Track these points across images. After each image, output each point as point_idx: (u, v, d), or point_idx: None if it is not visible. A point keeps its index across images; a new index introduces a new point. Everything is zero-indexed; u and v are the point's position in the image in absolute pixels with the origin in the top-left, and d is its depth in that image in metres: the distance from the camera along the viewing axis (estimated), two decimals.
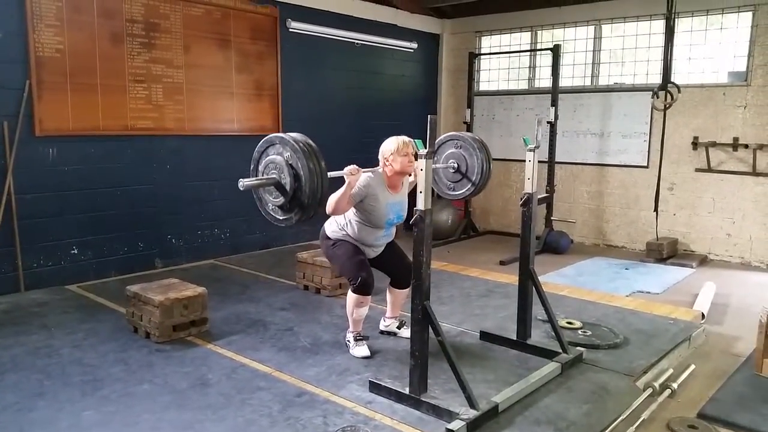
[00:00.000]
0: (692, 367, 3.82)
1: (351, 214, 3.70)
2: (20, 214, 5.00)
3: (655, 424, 3.16)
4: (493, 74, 8.83)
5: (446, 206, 8.10)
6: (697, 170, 7.04)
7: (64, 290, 5.15)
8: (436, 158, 4.14)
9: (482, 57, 8.71)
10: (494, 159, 8.72)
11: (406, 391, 3.12)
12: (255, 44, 6.57)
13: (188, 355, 3.78)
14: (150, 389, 3.30)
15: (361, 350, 3.76)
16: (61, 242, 5.30)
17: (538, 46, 8.21)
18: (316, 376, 3.47)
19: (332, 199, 3.42)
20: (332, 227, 3.82)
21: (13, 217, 4.96)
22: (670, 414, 3.25)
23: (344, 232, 3.76)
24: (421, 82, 8.86)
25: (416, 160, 3.04)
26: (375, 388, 3.25)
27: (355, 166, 3.39)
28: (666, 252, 6.91)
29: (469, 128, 8.23)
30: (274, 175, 3.01)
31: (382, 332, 4.15)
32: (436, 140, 4.20)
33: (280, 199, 3.03)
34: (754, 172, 6.64)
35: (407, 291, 3.89)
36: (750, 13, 6.60)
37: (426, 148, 2.96)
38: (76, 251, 5.39)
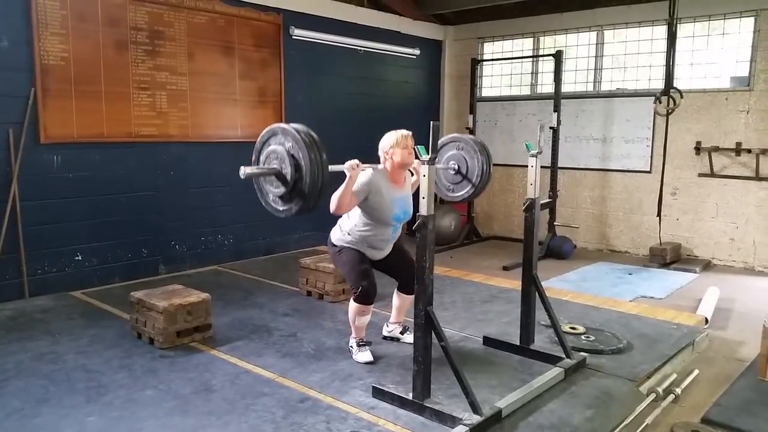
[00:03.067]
0: (696, 372, 3.82)
1: (357, 216, 3.69)
2: (25, 221, 5.03)
3: (658, 429, 3.16)
4: (495, 80, 8.85)
5: (449, 211, 8.11)
6: (700, 175, 7.03)
7: (68, 296, 5.17)
8: (436, 160, 4.15)
9: (485, 63, 8.73)
10: (497, 164, 8.75)
11: (410, 396, 3.12)
12: (258, 51, 6.60)
13: (192, 360, 3.79)
14: (154, 395, 3.31)
15: (364, 356, 3.76)
16: (65, 249, 5.32)
17: (541, 52, 8.22)
18: (319, 381, 3.48)
19: (335, 197, 3.41)
20: (338, 234, 3.82)
21: (18, 224, 4.98)
22: (674, 419, 3.25)
23: (351, 237, 3.74)
24: (424, 88, 8.89)
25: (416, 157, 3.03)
26: (378, 393, 3.25)
27: (356, 160, 3.37)
28: (669, 257, 6.90)
29: (471, 133, 8.25)
30: (275, 165, 3.01)
31: (385, 338, 4.16)
32: (438, 142, 4.23)
33: (281, 189, 3.02)
34: (758, 177, 6.64)
35: (413, 297, 3.91)
36: (752, 19, 6.61)
37: (429, 153, 2.98)
38: (80, 258, 5.42)
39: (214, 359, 3.82)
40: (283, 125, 3.04)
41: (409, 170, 3.81)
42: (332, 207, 3.43)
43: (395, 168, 3.67)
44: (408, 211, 3.79)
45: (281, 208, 3.09)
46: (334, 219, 3.84)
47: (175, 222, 6.08)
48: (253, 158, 3.16)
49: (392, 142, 3.63)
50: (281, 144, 3.00)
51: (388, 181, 3.68)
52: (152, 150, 5.84)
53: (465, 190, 4.18)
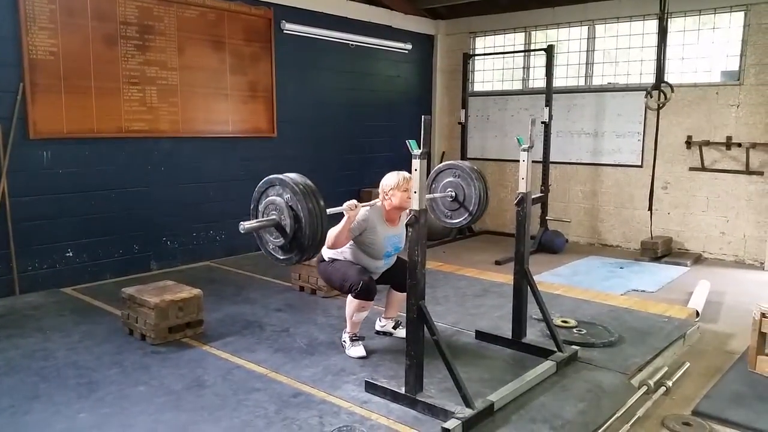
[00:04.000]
0: (687, 364, 3.85)
1: (348, 248, 3.76)
2: (15, 217, 4.99)
3: (650, 421, 3.18)
4: (487, 75, 8.86)
5: None
6: (691, 169, 7.07)
7: (59, 293, 5.14)
8: (434, 186, 4.19)
9: (476, 57, 8.73)
10: (489, 159, 8.77)
11: (402, 390, 3.12)
12: (249, 46, 6.57)
13: (184, 356, 3.78)
14: (146, 391, 3.29)
15: (357, 350, 3.76)
16: (56, 245, 5.29)
17: (532, 47, 8.23)
18: (312, 376, 3.48)
19: (331, 234, 3.46)
20: (329, 252, 3.84)
21: (7, 220, 4.94)
22: (665, 411, 3.27)
23: (342, 257, 3.80)
24: (416, 82, 8.88)
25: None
26: (371, 387, 3.26)
27: (354, 201, 3.45)
28: (660, 251, 6.94)
29: (463, 128, 8.27)
30: (274, 216, 3.07)
31: (377, 332, 4.16)
32: (434, 169, 4.28)
33: (281, 240, 3.08)
34: (748, 171, 6.68)
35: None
36: (742, 13, 6.64)
37: (420, 148, 2.97)
38: (71, 254, 5.38)
39: (206, 355, 3.81)
40: (280, 176, 3.08)
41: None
42: (327, 243, 3.49)
43: (393, 209, 3.72)
44: (399, 246, 3.86)
45: (281, 257, 3.17)
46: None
47: (167, 218, 6.05)
48: (252, 207, 3.20)
49: (393, 185, 3.67)
50: (279, 195, 3.06)
51: (384, 220, 3.75)
52: (143, 145, 5.80)
53: (462, 218, 4.22)
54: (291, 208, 2.99)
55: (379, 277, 3.93)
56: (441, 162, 7.85)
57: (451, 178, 4.20)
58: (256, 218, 3.16)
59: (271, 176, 3.13)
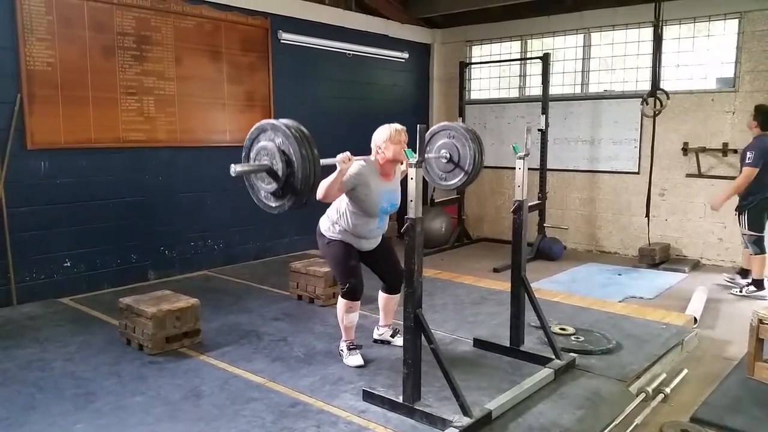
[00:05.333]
0: (685, 371, 3.84)
1: (344, 205, 3.70)
2: (12, 227, 4.99)
3: (648, 428, 3.18)
4: (484, 83, 8.89)
5: (439, 214, 8.12)
6: (688, 175, 7.09)
7: (56, 303, 5.13)
8: (428, 149, 4.16)
9: (473, 66, 8.76)
10: (486, 167, 8.75)
11: (400, 399, 3.12)
12: (246, 56, 6.59)
13: (181, 366, 3.77)
14: (143, 401, 3.29)
15: (355, 359, 3.76)
16: (53, 255, 5.28)
17: (528, 55, 8.27)
18: (309, 386, 3.47)
19: (323, 185, 3.41)
20: (326, 224, 3.81)
21: (5, 231, 4.94)
22: (664, 418, 3.27)
23: (339, 227, 3.73)
24: (413, 91, 8.91)
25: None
26: (369, 397, 3.25)
27: (347, 153, 3.38)
28: (658, 257, 6.95)
29: None
30: (266, 162, 2.99)
31: (375, 341, 4.15)
32: (429, 131, 4.24)
33: (273, 186, 2.99)
34: None
35: (398, 297, 3.92)
36: (736, 20, 6.68)
37: (416, 156, 2.98)
38: (68, 264, 5.38)
39: (204, 365, 3.80)
40: (272, 121, 3.01)
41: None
42: (319, 194, 3.42)
43: (386, 162, 3.68)
44: (395, 203, 3.80)
45: (274, 205, 3.07)
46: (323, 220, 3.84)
47: (164, 227, 6.05)
48: (243, 155, 3.14)
49: (385, 137, 3.64)
50: (271, 140, 2.98)
51: (378, 174, 3.70)
52: (140, 155, 5.81)
53: (458, 178, 4.19)
54: (283, 153, 2.90)
55: (374, 268, 3.90)
56: None
57: (445, 140, 4.18)
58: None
59: (263, 121, 3.07)
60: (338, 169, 3.38)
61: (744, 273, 6.08)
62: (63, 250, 5.34)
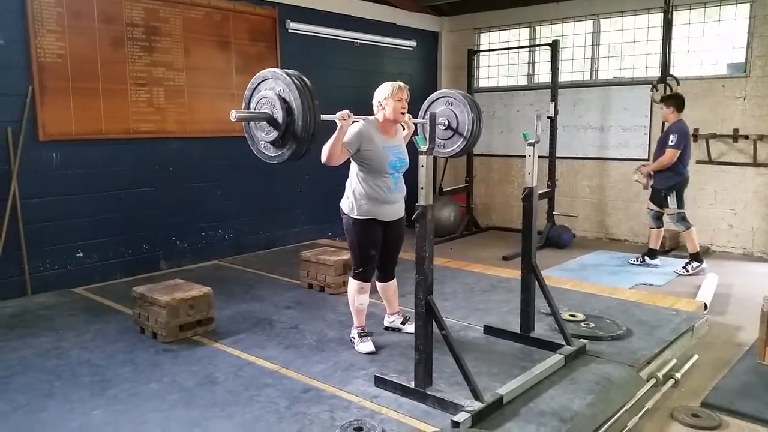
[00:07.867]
0: (695, 357, 3.85)
1: (355, 174, 3.70)
2: (26, 219, 5.04)
3: (659, 413, 3.19)
4: (492, 71, 8.86)
5: (448, 203, 8.12)
6: (698, 162, 7.04)
7: (70, 293, 5.19)
8: (426, 116, 4.17)
9: (481, 54, 8.73)
10: (495, 155, 8.76)
11: (412, 385, 3.15)
12: (255, 45, 6.60)
13: (195, 354, 3.82)
14: (158, 388, 3.33)
15: (366, 346, 3.79)
16: (66, 246, 5.34)
17: (537, 42, 8.22)
18: (322, 372, 3.51)
19: (325, 148, 3.42)
20: (346, 203, 3.78)
21: (18, 222, 5.00)
22: (674, 403, 3.29)
23: (357, 198, 3.68)
24: (421, 79, 8.87)
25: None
26: (380, 382, 3.28)
27: (347, 111, 3.38)
28: (668, 244, 6.93)
29: None
30: (266, 110, 2.97)
31: (386, 328, 4.18)
32: (427, 99, 4.29)
33: (273, 134, 2.98)
34: (755, 163, 6.66)
35: (394, 283, 4.00)
36: (748, 5, 6.61)
37: (426, 143, 2.99)
38: (81, 254, 5.44)
39: (217, 352, 3.85)
40: (273, 69, 3.01)
41: (401, 124, 3.83)
42: (323, 157, 3.43)
43: (387, 120, 3.69)
44: (404, 159, 3.77)
45: (272, 154, 3.06)
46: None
47: (175, 217, 6.10)
48: (243, 106, 3.14)
49: (387, 93, 3.64)
50: (272, 89, 2.96)
51: (380, 132, 3.69)
52: (151, 146, 5.85)
53: (456, 145, 4.22)
54: (284, 100, 2.88)
55: (382, 248, 3.86)
56: (446, 162, 7.88)
57: (443, 107, 4.21)
58: None
59: (264, 71, 3.06)
60: (338, 126, 3.39)
61: (651, 253, 6.29)
62: (76, 241, 5.39)
